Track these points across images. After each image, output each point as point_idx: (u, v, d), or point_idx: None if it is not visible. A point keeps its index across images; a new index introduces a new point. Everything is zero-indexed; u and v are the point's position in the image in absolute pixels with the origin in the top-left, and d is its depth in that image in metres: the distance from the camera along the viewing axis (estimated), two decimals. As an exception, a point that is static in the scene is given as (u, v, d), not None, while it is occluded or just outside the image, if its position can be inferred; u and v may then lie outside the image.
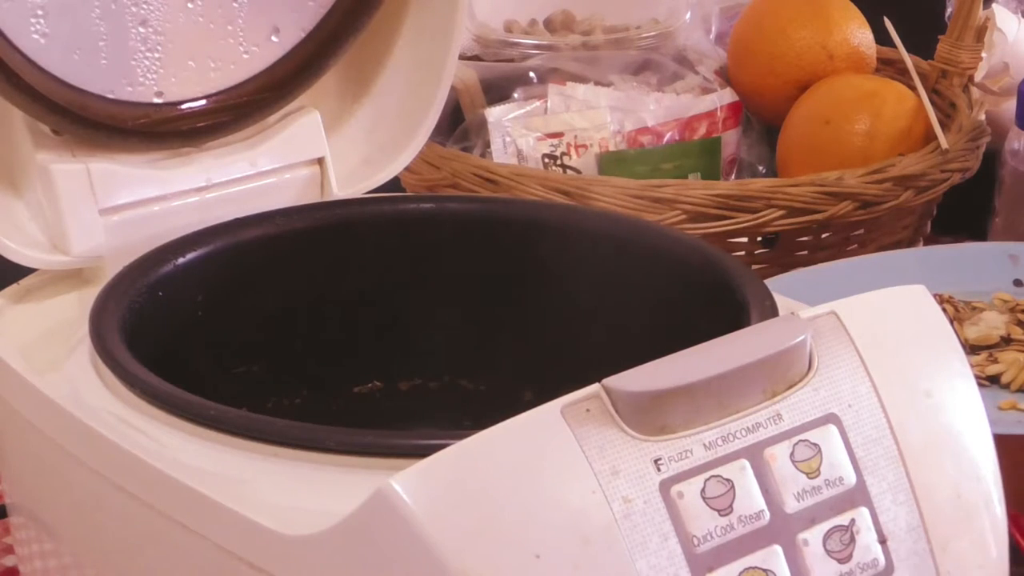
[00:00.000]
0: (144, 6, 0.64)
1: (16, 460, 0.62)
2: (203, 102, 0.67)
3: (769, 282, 0.63)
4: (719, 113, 1.00)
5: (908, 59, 1.01)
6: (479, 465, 0.43)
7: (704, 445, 0.46)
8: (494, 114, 0.98)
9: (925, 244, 0.99)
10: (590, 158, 0.97)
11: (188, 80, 0.67)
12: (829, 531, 0.47)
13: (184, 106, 0.67)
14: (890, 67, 1.06)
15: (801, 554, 0.46)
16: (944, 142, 0.92)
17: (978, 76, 1.01)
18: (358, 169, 0.72)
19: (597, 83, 1.01)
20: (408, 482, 0.42)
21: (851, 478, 0.47)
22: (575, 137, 0.97)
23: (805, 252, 0.92)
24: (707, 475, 0.45)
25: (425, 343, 0.68)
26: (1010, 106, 0.99)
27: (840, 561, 0.47)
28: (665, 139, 0.98)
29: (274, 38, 0.68)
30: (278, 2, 0.68)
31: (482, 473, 0.43)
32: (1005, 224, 0.96)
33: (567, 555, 0.43)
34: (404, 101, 0.72)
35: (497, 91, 1.01)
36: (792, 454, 0.47)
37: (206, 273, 0.63)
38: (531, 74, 1.02)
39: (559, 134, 0.97)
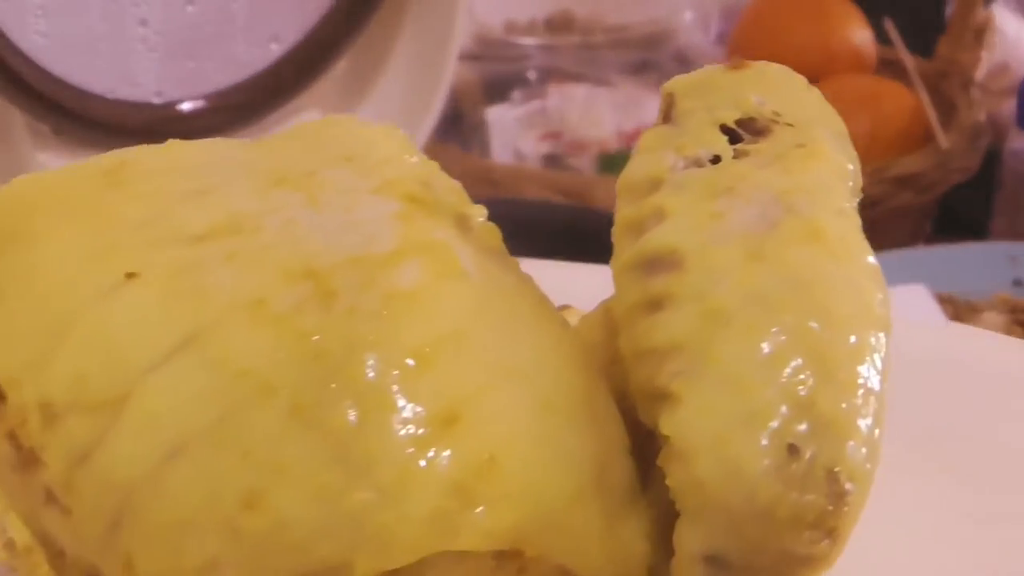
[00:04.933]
0: (144, 6, 0.64)
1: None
2: (203, 102, 0.67)
3: (769, 282, 0.63)
4: (719, 113, 1.00)
5: (908, 59, 1.01)
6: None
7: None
8: (494, 114, 0.98)
9: (925, 244, 0.99)
10: (590, 158, 0.97)
11: (188, 80, 0.67)
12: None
13: (184, 106, 0.67)
14: (890, 67, 1.05)
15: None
16: (944, 142, 0.92)
17: (978, 76, 1.01)
18: (358, 169, 0.71)
19: (597, 83, 1.01)
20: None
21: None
22: (575, 137, 0.97)
23: (805, 252, 0.92)
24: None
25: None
26: (1010, 106, 0.98)
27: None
28: (665, 139, 0.98)
29: (273, 40, 0.68)
30: (278, 3, 0.68)
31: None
32: (1005, 224, 0.96)
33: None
34: (404, 101, 0.72)
35: (497, 91, 1.02)
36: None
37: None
38: (531, 74, 1.02)
39: (559, 134, 0.97)
